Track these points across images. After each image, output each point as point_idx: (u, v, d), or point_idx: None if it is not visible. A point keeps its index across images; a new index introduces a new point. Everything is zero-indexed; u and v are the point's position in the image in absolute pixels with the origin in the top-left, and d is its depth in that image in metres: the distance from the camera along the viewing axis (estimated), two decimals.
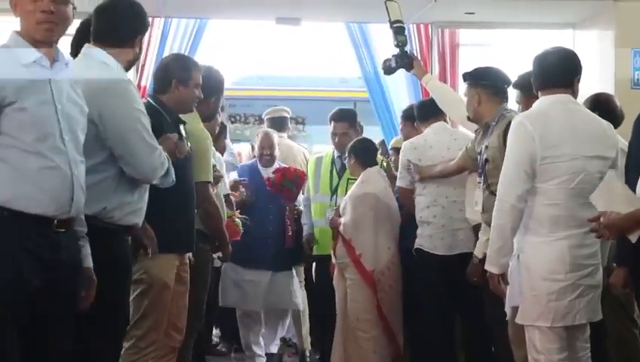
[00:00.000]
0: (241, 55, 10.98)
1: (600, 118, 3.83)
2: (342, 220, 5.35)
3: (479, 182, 4.41)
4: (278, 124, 6.87)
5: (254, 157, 6.33)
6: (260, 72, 10.96)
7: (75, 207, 2.96)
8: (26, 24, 2.95)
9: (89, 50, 3.44)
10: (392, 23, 5.17)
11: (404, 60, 5.24)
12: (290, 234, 5.89)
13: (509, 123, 3.85)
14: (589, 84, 4.84)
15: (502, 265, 3.66)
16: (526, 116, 3.73)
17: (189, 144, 4.06)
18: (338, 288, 5.44)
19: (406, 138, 5.58)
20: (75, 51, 3.61)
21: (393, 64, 5.28)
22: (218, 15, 7.28)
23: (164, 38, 7.07)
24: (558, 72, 3.76)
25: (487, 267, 3.70)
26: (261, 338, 6.17)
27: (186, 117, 4.12)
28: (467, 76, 4.63)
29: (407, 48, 5.31)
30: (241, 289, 5.93)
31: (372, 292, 5.25)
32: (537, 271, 3.61)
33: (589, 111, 3.88)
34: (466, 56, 7.61)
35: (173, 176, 3.44)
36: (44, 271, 2.88)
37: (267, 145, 6.10)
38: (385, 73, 5.57)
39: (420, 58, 6.30)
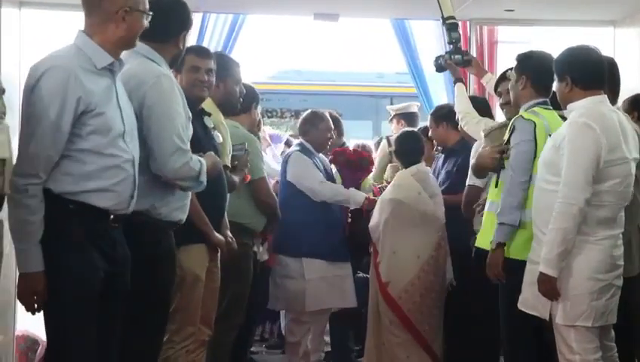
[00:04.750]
0: (279, 49, 11.03)
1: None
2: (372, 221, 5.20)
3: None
4: (410, 119, 6.67)
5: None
6: (297, 67, 11.00)
7: (132, 204, 3.06)
8: (122, 39, 3.07)
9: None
10: (444, 20, 4.98)
11: (459, 57, 5.08)
12: (349, 221, 5.38)
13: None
14: (629, 83, 4.79)
15: (560, 269, 3.58)
16: (588, 117, 3.58)
17: (219, 134, 4.12)
18: (372, 285, 5.20)
19: (441, 141, 5.48)
20: None
21: (446, 61, 5.13)
22: (256, 10, 7.28)
23: (202, 33, 7.08)
24: (602, 71, 3.70)
25: (544, 270, 3.58)
26: (309, 345, 5.63)
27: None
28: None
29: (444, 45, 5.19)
30: (333, 286, 5.34)
31: (386, 301, 5.02)
32: (581, 270, 3.58)
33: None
34: (505, 54, 7.55)
35: (205, 182, 3.43)
36: (107, 264, 2.95)
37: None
38: (437, 70, 5.45)
39: None
